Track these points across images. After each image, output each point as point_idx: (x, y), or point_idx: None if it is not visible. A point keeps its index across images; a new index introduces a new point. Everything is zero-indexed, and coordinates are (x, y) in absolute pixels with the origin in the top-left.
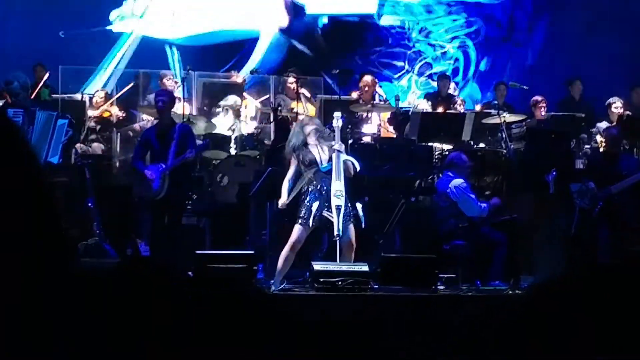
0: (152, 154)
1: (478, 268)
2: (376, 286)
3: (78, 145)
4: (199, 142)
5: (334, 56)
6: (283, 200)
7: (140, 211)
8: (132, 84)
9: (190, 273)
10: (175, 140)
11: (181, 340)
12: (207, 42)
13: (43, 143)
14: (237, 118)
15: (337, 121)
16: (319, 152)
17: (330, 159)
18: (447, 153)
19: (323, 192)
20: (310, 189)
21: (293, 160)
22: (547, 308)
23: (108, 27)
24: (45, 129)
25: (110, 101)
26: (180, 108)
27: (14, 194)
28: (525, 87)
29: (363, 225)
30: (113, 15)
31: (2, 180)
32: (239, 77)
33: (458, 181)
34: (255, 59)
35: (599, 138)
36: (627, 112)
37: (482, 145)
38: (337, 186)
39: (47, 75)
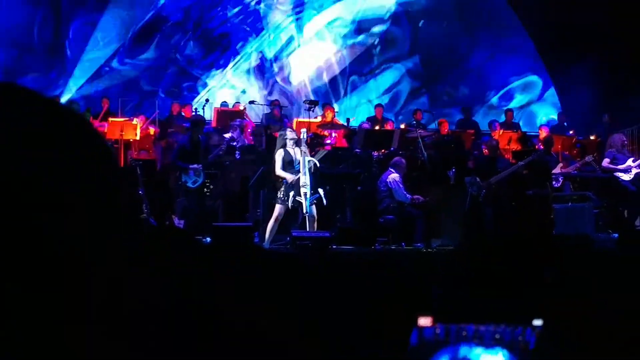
0: (186, 156)
1: (403, 234)
2: (334, 246)
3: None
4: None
5: None
6: (292, 177)
7: (176, 195)
8: None
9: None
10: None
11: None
12: None
13: None
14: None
15: (304, 135)
16: (294, 154)
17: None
18: (381, 157)
19: (294, 183)
20: (287, 181)
21: (278, 158)
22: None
23: None
24: None
25: None
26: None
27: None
28: (433, 112)
29: (325, 203)
30: None
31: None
32: (241, 105)
33: (395, 176)
34: None
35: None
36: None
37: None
38: (304, 179)
39: None
